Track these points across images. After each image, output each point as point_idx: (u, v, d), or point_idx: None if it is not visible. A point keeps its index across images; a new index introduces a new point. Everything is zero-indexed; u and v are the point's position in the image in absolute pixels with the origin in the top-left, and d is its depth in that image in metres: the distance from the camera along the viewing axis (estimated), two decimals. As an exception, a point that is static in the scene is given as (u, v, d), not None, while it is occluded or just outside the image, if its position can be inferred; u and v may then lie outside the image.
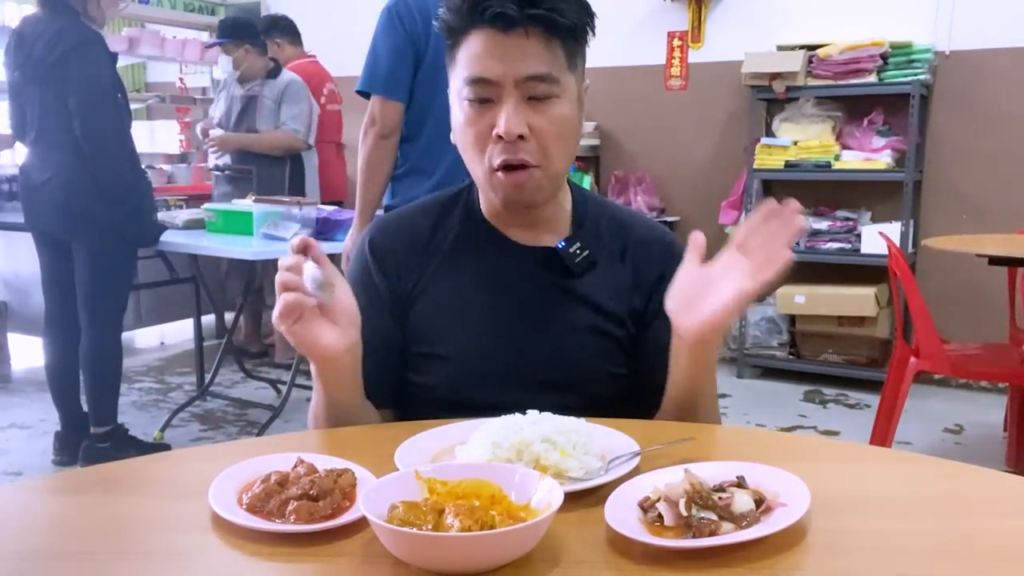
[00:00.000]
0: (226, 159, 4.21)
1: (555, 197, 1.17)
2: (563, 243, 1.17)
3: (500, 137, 1.06)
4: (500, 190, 1.11)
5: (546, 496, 0.74)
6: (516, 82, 1.06)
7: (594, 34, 1.11)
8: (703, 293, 0.98)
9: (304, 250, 0.97)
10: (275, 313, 0.96)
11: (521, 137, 1.06)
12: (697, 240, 1.01)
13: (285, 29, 4.48)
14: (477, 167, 1.12)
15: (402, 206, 1.28)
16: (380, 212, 2.56)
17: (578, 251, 1.16)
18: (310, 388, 1.09)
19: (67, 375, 3.16)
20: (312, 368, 1.04)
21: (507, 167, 1.08)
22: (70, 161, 2.92)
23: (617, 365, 1.17)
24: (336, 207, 3.65)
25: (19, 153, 5.39)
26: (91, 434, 3.11)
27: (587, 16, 1.10)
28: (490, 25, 1.06)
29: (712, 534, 0.72)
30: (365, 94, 2.46)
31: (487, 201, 1.18)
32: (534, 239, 1.18)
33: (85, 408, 3.21)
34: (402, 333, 1.17)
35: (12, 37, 3.00)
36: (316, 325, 0.98)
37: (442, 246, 1.20)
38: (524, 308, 1.16)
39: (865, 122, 4.10)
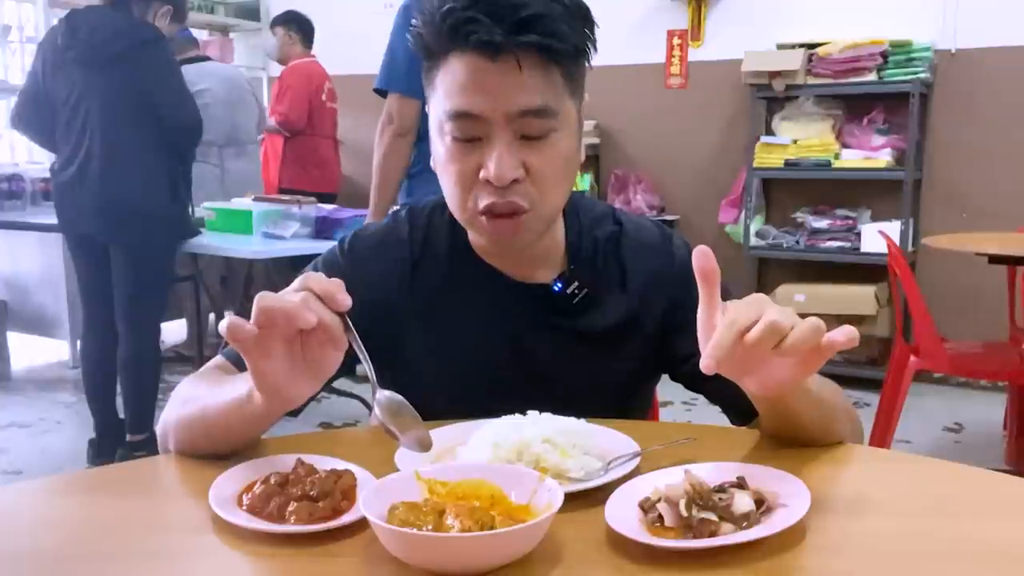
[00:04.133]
0: None
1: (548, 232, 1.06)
2: (560, 284, 1.06)
3: (489, 181, 0.94)
4: (484, 236, 1.01)
5: (546, 497, 0.73)
6: (508, 118, 0.93)
7: (596, 50, 0.98)
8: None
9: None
10: (256, 307, 0.77)
11: (515, 180, 0.94)
12: (707, 268, 0.80)
13: (304, 30, 4.81)
14: (457, 208, 1.00)
15: (376, 229, 1.14)
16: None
17: (576, 291, 1.06)
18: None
19: (107, 383, 3.13)
20: (255, 390, 0.83)
21: (495, 212, 0.96)
22: (123, 157, 2.88)
23: (622, 404, 1.11)
24: (335, 206, 3.67)
25: (19, 150, 5.43)
26: (127, 442, 3.08)
27: (588, 33, 0.96)
28: (474, 51, 0.92)
29: (712, 535, 0.72)
30: (382, 92, 2.46)
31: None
32: (528, 273, 1.07)
33: (120, 415, 3.18)
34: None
35: (61, 24, 2.93)
36: (295, 370, 0.81)
37: (428, 282, 1.08)
38: (522, 354, 1.07)
39: (865, 120, 4.10)
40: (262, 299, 0.77)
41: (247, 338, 0.77)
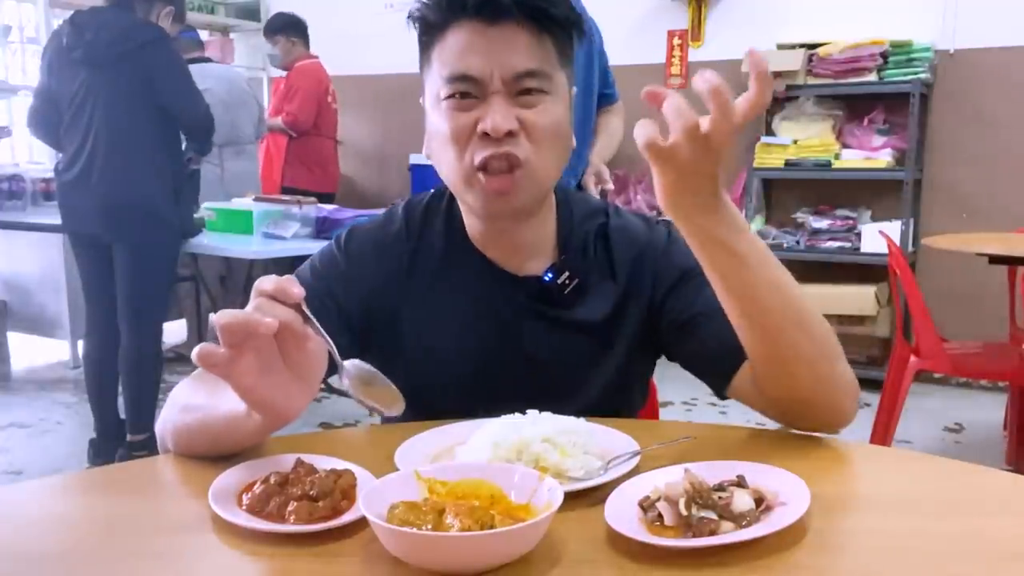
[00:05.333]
0: None
1: (540, 213, 1.08)
2: (550, 274, 1.08)
3: (486, 134, 0.96)
4: (481, 195, 1.00)
5: (546, 496, 0.74)
6: (504, 80, 0.97)
7: (581, 34, 1.04)
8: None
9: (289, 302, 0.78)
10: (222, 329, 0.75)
11: (510, 133, 0.97)
12: (650, 135, 0.86)
13: (302, 32, 4.83)
14: (454, 170, 1.01)
15: (372, 224, 1.15)
16: None
17: (566, 281, 1.08)
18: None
19: (110, 383, 3.13)
20: (252, 410, 0.82)
21: (491, 167, 0.98)
22: (127, 156, 2.88)
23: (615, 395, 1.12)
24: (335, 206, 3.68)
25: (19, 150, 5.43)
26: (128, 441, 3.07)
27: (574, 11, 1.02)
28: (475, 15, 0.97)
29: (712, 533, 0.72)
30: None
31: (469, 218, 1.09)
32: (520, 265, 1.09)
33: (121, 415, 3.18)
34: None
35: (65, 25, 2.93)
36: (282, 382, 0.79)
37: (424, 274, 1.09)
38: (513, 343, 1.08)
39: (865, 121, 4.10)
40: (220, 318, 0.75)
41: (221, 362, 0.76)
